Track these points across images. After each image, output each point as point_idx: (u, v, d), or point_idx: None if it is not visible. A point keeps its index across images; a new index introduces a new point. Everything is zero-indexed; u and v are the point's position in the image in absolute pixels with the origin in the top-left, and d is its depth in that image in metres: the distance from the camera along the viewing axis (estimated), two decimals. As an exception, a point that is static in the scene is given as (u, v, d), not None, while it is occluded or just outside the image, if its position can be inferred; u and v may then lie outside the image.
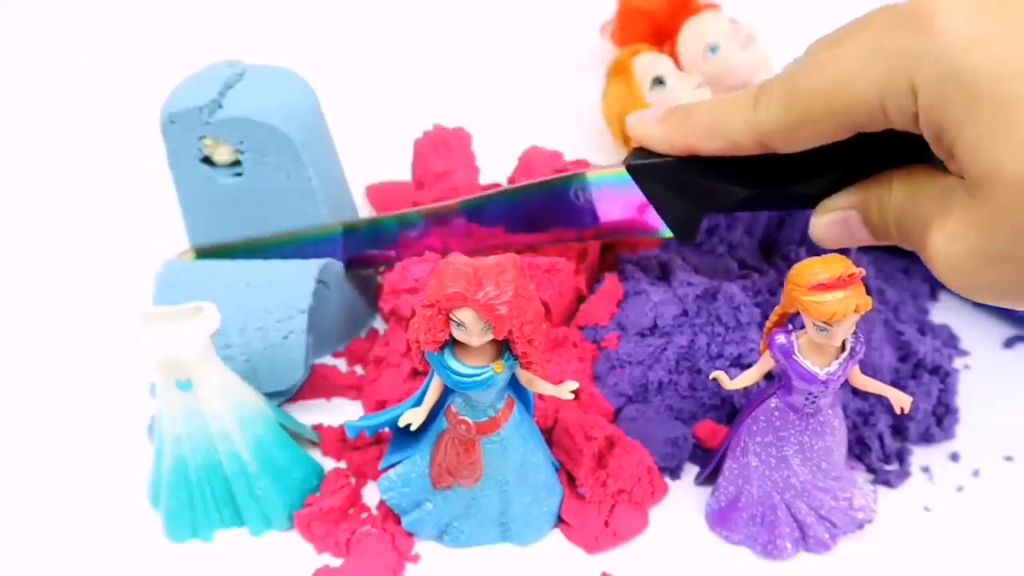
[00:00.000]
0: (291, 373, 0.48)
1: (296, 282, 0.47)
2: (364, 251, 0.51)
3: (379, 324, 0.55)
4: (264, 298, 0.47)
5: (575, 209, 0.46)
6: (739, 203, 0.41)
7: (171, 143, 0.48)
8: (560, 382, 0.39)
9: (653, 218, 0.44)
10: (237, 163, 0.48)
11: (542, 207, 0.47)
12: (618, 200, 0.45)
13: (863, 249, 0.54)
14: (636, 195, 0.44)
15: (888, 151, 0.37)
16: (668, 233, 0.44)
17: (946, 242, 0.33)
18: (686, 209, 0.42)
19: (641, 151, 0.42)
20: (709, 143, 0.38)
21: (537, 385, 0.39)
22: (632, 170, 0.42)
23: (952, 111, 0.31)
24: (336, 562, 0.42)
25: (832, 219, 0.39)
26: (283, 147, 0.47)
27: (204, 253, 0.52)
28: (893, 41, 0.32)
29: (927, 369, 0.48)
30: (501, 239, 0.49)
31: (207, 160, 0.48)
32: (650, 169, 0.42)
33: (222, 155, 0.48)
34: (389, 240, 0.51)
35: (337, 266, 0.50)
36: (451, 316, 0.35)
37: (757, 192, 0.40)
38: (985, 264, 0.32)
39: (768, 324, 0.39)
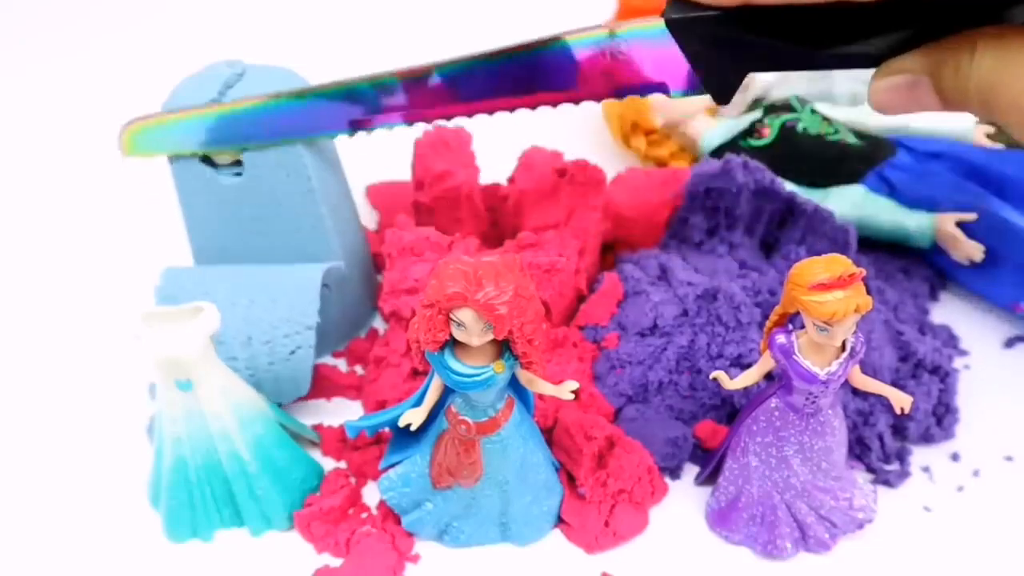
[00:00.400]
0: (295, 388, 0.48)
1: (301, 294, 0.47)
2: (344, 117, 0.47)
3: (379, 324, 0.55)
4: (269, 311, 0.47)
5: (567, 69, 0.42)
6: (794, 61, 0.36)
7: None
8: (560, 382, 0.39)
9: (670, 75, 0.40)
10: (238, 163, 0.48)
11: (531, 70, 0.43)
12: (646, 54, 0.40)
13: (863, 249, 0.54)
14: (658, 49, 0.39)
15: (966, 11, 0.33)
16: (679, 94, 0.40)
17: (1014, 82, 0.30)
18: (728, 69, 0.38)
19: (681, 3, 0.37)
20: None
21: (537, 385, 0.39)
22: (672, 25, 0.37)
23: None
24: (336, 562, 0.42)
25: (897, 82, 0.34)
26: (282, 148, 0.47)
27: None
28: None
29: (927, 369, 0.48)
30: (484, 104, 0.45)
31: (207, 160, 0.48)
32: (694, 24, 0.37)
33: (222, 155, 0.48)
34: (368, 105, 0.47)
35: (338, 267, 0.50)
36: (451, 316, 0.35)
37: (813, 51, 0.35)
38: None
39: (768, 324, 0.39)
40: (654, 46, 0.39)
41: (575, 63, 0.42)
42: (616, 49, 0.41)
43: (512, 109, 0.45)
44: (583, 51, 0.41)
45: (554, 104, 0.44)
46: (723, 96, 0.39)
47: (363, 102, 0.46)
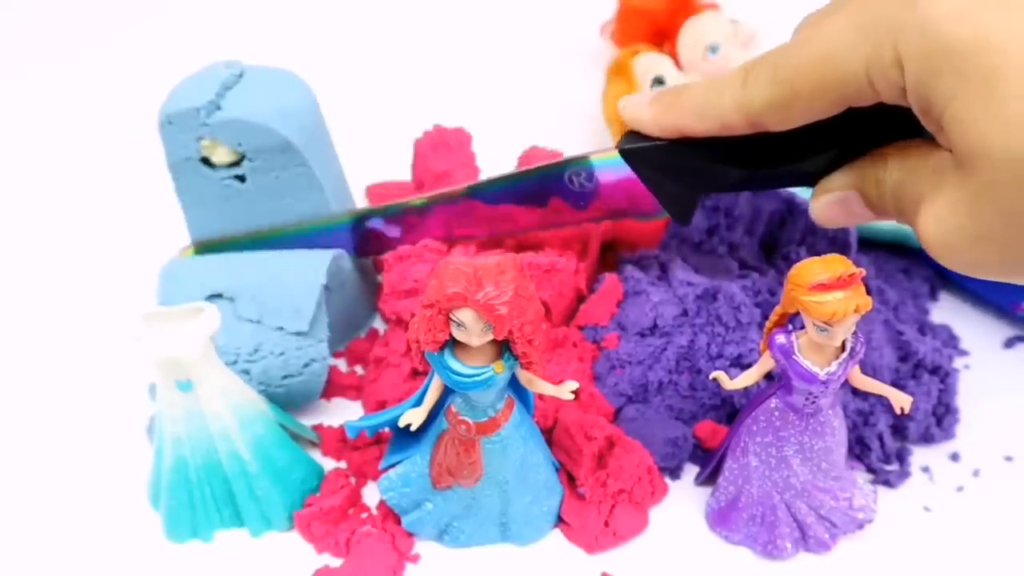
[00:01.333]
0: (306, 399, 0.49)
1: (305, 302, 0.47)
2: (371, 236, 0.52)
3: (379, 324, 0.55)
4: (278, 314, 0.47)
5: (574, 192, 0.46)
6: (735, 183, 0.40)
7: (169, 144, 0.48)
8: (560, 382, 0.39)
9: (652, 200, 0.44)
10: (235, 164, 0.48)
11: (541, 189, 0.47)
12: (619, 182, 0.44)
13: (863, 249, 0.54)
14: (634, 177, 0.43)
15: (883, 126, 0.36)
16: (664, 215, 0.44)
17: (936, 220, 0.32)
18: (681, 191, 0.42)
19: (634, 134, 0.41)
20: (699, 124, 0.37)
21: (537, 385, 0.39)
22: (625, 154, 0.42)
23: (938, 84, 0.30)
24: (336, 562, 0.42)
25: (831, 200, 0.38)
26: (281, 148, 0.47)
27: (205, 248, 0.52)
28: (878, 12, 0.31)
29: (927, 369, 0.48)
30: (506, 224, 0.49)
31: (205, 161, 0.48)
32: (643, 152, 0.41)
33: (220, 156, 0.48)
34: (396, 223, 0.51)
35: (337, 266, 0.50)
36: (451, 316, 0.35)
37: (751, 172, 0.39)
38: (974, 242, 0.31)
39: (768, 324, 0.39)
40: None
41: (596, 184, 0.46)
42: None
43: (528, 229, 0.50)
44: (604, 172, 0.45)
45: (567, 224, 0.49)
46: (683, 217, 0.43)
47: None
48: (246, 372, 0.47)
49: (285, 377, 0.47)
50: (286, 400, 0.48)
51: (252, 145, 0.47)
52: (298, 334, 0.47)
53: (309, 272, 0.48)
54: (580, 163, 0.45)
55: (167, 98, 0.47)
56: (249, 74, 0.48)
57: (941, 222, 0.32)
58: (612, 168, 0.44)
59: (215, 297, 0.47)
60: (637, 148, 0.41)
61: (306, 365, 0.47)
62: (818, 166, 0.38)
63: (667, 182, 0.42)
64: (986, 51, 0.29)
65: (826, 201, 0.38)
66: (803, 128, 0.35)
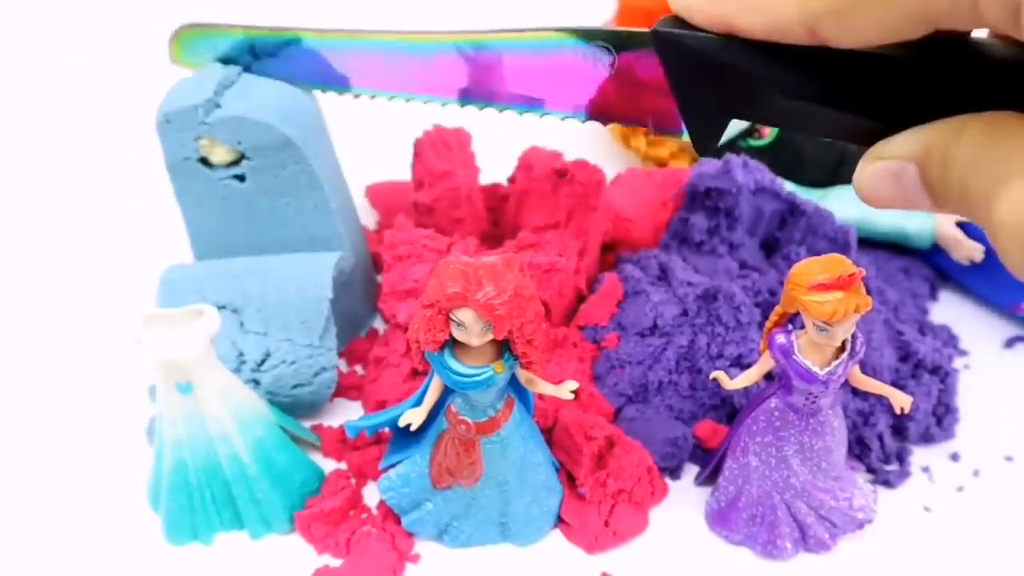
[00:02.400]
0: (313, 408, 0.49)
1: (313, 315, 0.47)
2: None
3: (379, 324, 0.55)
4: (285, 327, 0.47)
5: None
6: (776, 114, 0.32)
7: (167, 144, 0.47)
8: (560, 382, 0.39)
9: (657, 106, 0.35)
10: (234, 163, 0.48)
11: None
12: (624, 76, 0.36)
13: (863, 249, 0.54)
14: (645, 73, 0.35)
15: (976, 86, 0.28)
16: (684, 136, 0.35)
17: (1016, 208, 0.24)
18: (711, 108, 0.33)
19: (676, 21, 0.33)
20: (748, 18, 0.30)
21: (537, 385, 0.39)
22: (659, 39, 0.33)
23: None
24: (336, 563, 0.42)
25: (883, 169, 0.29)
26: (281, 146, 0.47)
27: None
28: None
29: (927, 369, 0.48)
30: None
31: (204, 161, 0.48)
32: (681, 42, 0.32)
33: (219, 155, 0.47)
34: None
35: (338, 269, 0.50)
36: (451, 316, 0.35)
37: (799, 103, 0.31)
38: None
39: (768, 324, 0.39)
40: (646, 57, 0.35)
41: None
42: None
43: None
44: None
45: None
46: (705, 140, 0.34)
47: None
48: (256, 382, 0.47)
49: (296, 386, 0.48)
50: (293, 408, 0.48)
51: (252, 143, 0.47)
52: (308, 345, 0.47)
53: (314, 283, 0.47)
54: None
55: (165, 97, 0.47)
56: (247, 75, 0.48)
57: (1021, 210, 0.24)
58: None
59: (219, 309, 0.47)
60: (674, 34, 0.32)
61: (316, 374, 0.48)
62: (881, 119, 0.29)
63: (698, 90, 0.33)
64: None
65: (876, 170, 0.29)
66: (874, 57, 0.29)
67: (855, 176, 0.30)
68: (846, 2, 0.27)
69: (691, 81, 0.33)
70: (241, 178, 0.48)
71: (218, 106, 0.46)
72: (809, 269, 0.36)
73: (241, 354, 0.47)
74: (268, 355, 0.47)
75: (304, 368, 0.47)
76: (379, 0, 0.89)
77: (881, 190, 0.29)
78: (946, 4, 0.25)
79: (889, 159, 0.29)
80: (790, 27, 0.29)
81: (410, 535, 0.43)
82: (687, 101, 0.34)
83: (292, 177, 0.48)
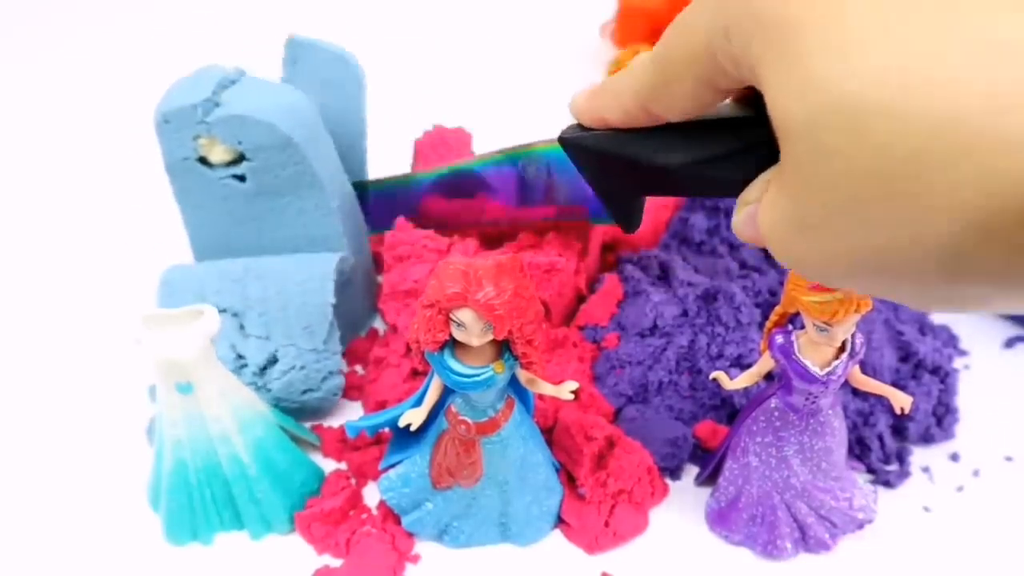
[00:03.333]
0: (318, 413, 0.49)
1: (316, 320, 0.48)
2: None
3: (379, 324, 0.55)
4: (288, 333, 0.47)
5: (528, 186, 0.41)
6: (669, 186, 0.34)
7: (166, 144, 0.47)
8: (560, 382, 0.39)
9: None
10: (233, 163, 0.48)
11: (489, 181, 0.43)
12: (572, 179, 0.39)
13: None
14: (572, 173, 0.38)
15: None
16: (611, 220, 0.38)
17: (766, 210, 0.27)
18: (622, 191, 0.37)
19: (578, 126, 0.37)
20: (611, 111, 0.33)
21: (537, 385, 0.39)
22: (564, 143, 0.36)
23: (751, 47, 0.25)
24: (336, 563, 0.42)
25: (745, 214, 0.31)
26: (282, 146, 0.47)
27: None
28: None
29: (927, 369, 0.48)
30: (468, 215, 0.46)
31: (203, 161, 0.48)
32: (580, 142, 0.36)
33: (218, 155, 0.47)
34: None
35: (339, 271, 0.50)
36: (451, 316, 0.35)
37: (681, 174, 0.33)
38: (796, 232, 0.26)
39: (768, 324, 0.39)
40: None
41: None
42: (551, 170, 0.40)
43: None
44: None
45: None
46: (626, 222, 0.37)
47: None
48: (266, 389, 0.47)
49: (305, 392, 0.48)
50: (299, 413, 0.48)
51: (252, 143, 0.47)
52: (313, 349, 0.47)
53: (317, 288, 0.48)
54: (532, 153, 0.41)
55: (163, 97, 0.47)
56: (247, 78, 0.48)
57: (768, 211, 0.27)
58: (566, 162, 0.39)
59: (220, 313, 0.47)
60: (573, 137, 0.36)
61: (324, 379, 0.48)
62: (745, 173, 0.32)
63: (607, 179, 0.37)
64: (785, 2, 0.24)
65: (742, 215, 0.31)
66: (718, 122, 0.31)
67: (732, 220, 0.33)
68: (659, 83, 0.30)
69: (600, 173, 0.36)
70: (241, 178, 0.48)
71: (217, 105, 0.46)
72: (809, 269, 0.36)
73: (240, 356, 0.47)
74: (275, 360, 0.47)
75: (313, 373, 0.48)
76: (380, 1, 0.89)
77: (746, 232, 0.31)
78: (708, 70, 0.28)
79: (746, 204, 0.31)
80: (636, 112, 0.32)
81: (410, 535, 0.43)
82: (603, 190, 0.37)
83: (293, 177, 0.48)
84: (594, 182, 0.37)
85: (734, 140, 0.32)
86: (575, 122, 0.37)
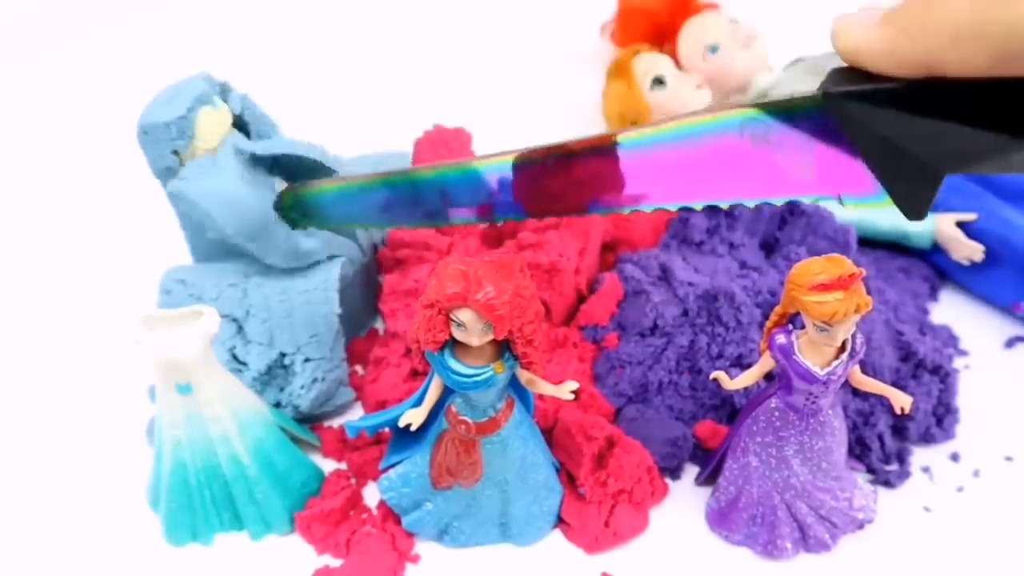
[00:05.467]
0: (325, 418, 0.49)
1: (322, 330, 0.47)
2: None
3: (379, 324, 0.55)
4: (294, 341, 0.47)
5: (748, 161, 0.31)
6: (997, 161, 0.26)
7: (148, 154, 0.47)
8: (560, 382, 0.39)
9: (853, 175, 0.29)
10: None
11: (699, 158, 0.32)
12: (798, 150, 0.29)
13: (863, 249, 0.54)
14: (822, 142, 0.29)
15: None
16: (885, 200, 0.29)
17: None
18: (917, 166, 0.27)
19: (848, 73, 0.27)
20: (965, 51, 0.24)
21: (537, 385, 0.39)
22: (832, 100, 0.27)
23: None
24: (336, 563, 0.42)
25: None
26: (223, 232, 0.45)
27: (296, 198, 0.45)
28: None
29: (927, 369, 0.48)
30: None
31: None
32: (864, 99, 0.27)
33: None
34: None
35: (341, 274, 0.49)
36: (451, 316, 0.35)
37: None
38: None
39: (768, 324, 0.39)
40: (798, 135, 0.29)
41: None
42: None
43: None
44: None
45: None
46: (917, 205, 0.28)
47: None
48: (295, 406, 0.47)
49: (324, 403, 0.48)
50: (310, 420, 0.49)
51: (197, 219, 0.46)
52: (322, 358, 0.48)
53: (321, 297, 0.47)
54: (752, 116, 0.30)
55: (145, 108, 0.47)
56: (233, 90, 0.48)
57: None
58: (789, 127, 0.29)
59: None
60: (856, 92, 0.27)
61: (337, 390, 0.48)
62: None
63: (894, 150, 0.27)
64: None
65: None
66: None
67: None
68: None
69: (883, 142, 0.28)
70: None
71: (191, 137, 0.45)
72: (809, 269, 0.36)
73: (238, 360, 0.47)
74: (283, 366, 0.47)
75: (331, 384, 0.48)
76: (380, 1, 0.89)
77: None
78: None
79: None
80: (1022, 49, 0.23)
81: (410, 535, 0.43)
82: (882, 164, 0.28)
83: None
84: (877, 158, 0.28)
85: None
86: (837, 69, 0.26)
